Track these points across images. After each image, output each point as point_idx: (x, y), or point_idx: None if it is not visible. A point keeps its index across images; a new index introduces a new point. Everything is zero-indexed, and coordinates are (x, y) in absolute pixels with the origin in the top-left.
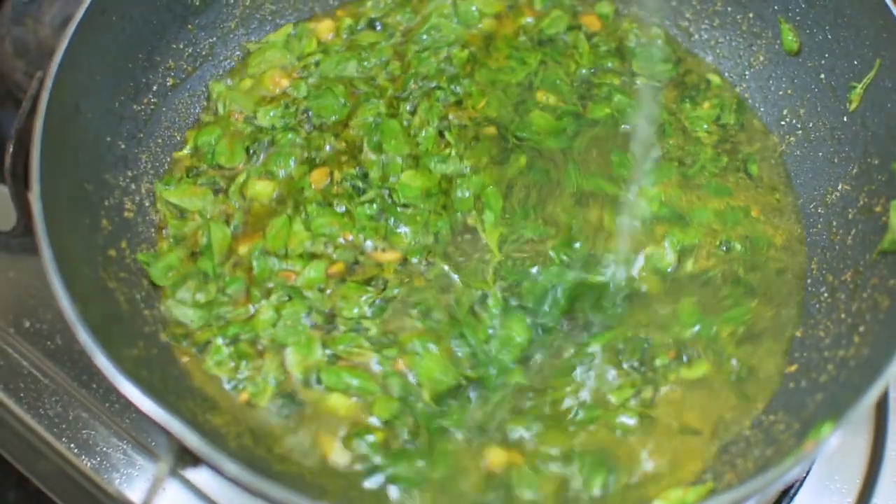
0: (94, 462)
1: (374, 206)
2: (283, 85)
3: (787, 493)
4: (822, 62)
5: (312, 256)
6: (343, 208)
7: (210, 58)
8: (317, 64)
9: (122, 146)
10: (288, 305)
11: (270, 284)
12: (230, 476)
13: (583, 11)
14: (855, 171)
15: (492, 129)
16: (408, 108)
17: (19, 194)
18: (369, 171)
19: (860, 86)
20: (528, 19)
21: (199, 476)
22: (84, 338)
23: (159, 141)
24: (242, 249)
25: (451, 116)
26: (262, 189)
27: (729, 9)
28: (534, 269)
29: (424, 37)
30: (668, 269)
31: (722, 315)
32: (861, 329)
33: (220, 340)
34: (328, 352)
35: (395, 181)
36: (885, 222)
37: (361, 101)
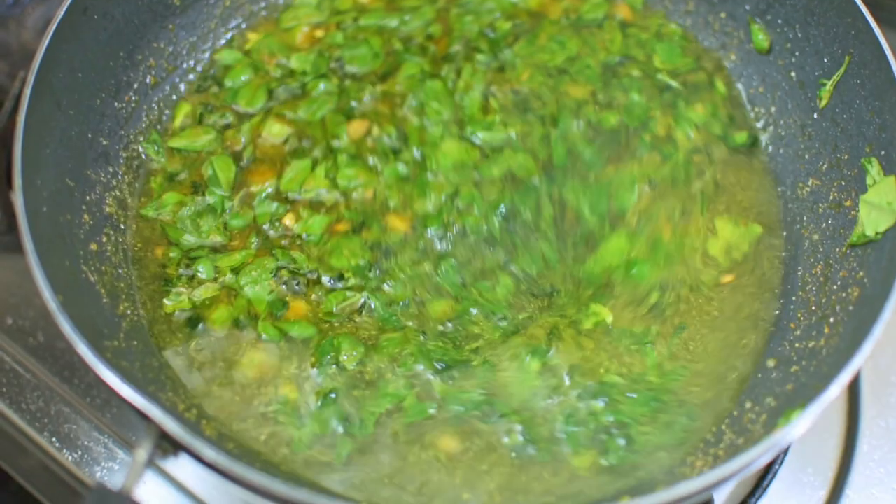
0: (75, 456)
1: (406, 167)
2: (317, 36)
3: (761, 484)
4: (793, 60)
5: (322, 206)
6: (373, 163)
7: (190, 57)
8: (354, 19)
9: (104, 143)
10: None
11: (268, 229)
12: (209, 461)
13: (616, 1)
14: (825, 166)
15: (541, 108)
16: (452, 70)
17: (2, 193)
18: (409, 135)
19: (830, 83)
20: (569, 3)
21: (178, 468)
22: (66, 328)
23: (140, 137)
24: (254, 186)
25: (493, 86)
26: (278, 130)
27: (700, 9)
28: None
29: (469, 4)
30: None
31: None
32: (831, 320)
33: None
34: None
35: (433, 150)
36: (855, 216)
37: (404, 58)
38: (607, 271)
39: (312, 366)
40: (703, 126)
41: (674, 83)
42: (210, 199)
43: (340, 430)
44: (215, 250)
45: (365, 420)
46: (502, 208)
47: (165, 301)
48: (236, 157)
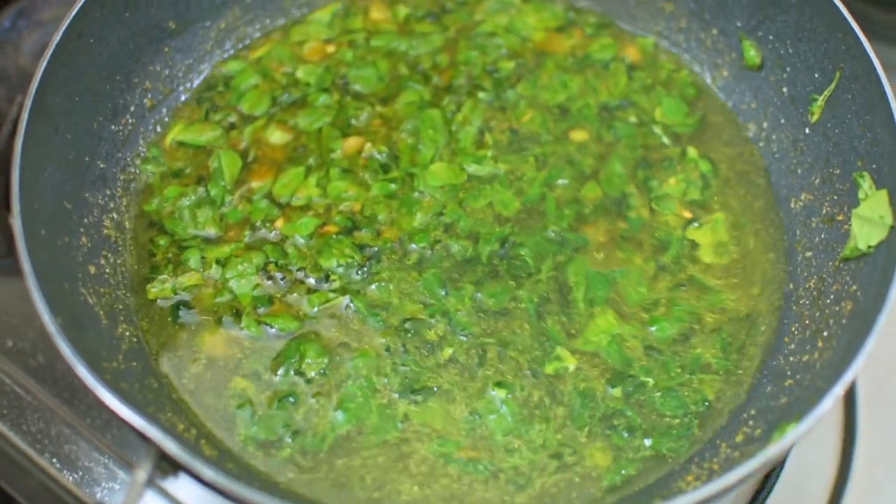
0: (76, 476)
1: (395, 185)
2: (327, 51)
3: (757, 498)
4: (784, 76)
5: (311, 210)
6: (363, 178)
7: (186, 80)
8: (366, 39)
9: (101, 165)
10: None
11: (259, 227)
12: (208, 480)
13: (626, 41)
14: (817, 181)
15: (535, 148)
16: (452, 102)
17: (1, 216)
18: (401, 155)
19: (821, 98)
20: (576, 40)
21: (178, 488)
22: (65, 350)
23: (137, 160)
24: (255, 183)
25: (492, 123)
26: (279, 137)
27: (693, 26)
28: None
29: (477, 38)
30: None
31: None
32: (825, 334)
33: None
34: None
35: (422, 170)
36: (847, 230)
37: (405, 84)
38: (594, 350)
39: (273, 369)
40: (682, 198)
41: (652, 155)
42: (212, 191)
43: (289, 439)
44: (208, 241)
45: (326, 435)
46: (506, 245)
47: (150, 287)
48: (242, 154)
